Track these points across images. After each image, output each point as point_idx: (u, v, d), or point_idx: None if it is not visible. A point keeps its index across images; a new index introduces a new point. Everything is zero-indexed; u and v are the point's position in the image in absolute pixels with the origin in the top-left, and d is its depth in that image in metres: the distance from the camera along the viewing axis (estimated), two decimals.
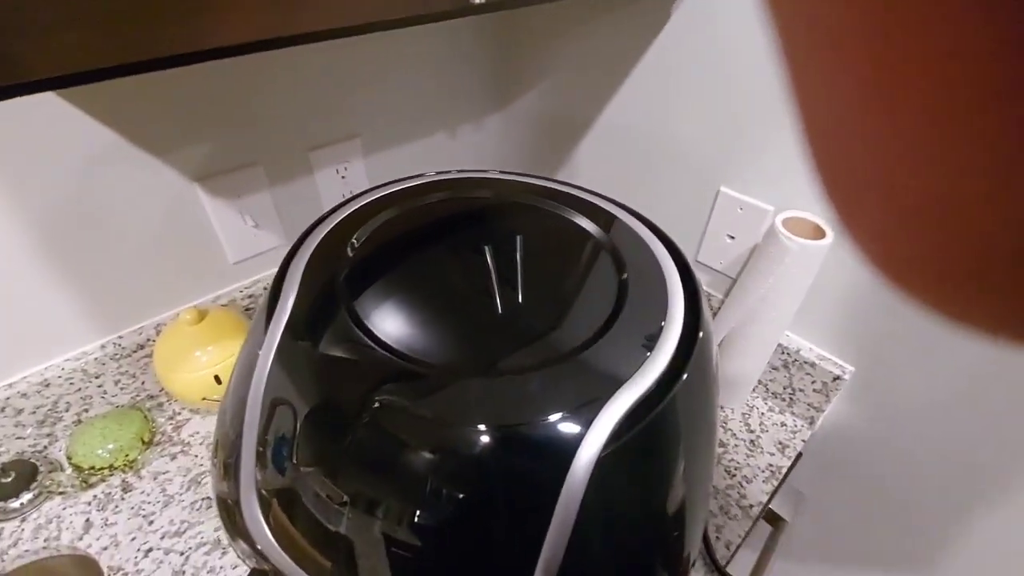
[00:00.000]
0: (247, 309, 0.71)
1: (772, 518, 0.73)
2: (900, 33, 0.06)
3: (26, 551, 0.53)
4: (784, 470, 0.65)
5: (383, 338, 0.31)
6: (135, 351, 0.64)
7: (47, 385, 0.59)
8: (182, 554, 0.53)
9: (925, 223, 0.07)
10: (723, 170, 0.66)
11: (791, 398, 0.71)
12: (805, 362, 0.67)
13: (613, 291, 0.36)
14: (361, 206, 0.42)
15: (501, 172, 0.50)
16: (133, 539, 0.54)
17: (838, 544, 0.78)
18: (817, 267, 0.55)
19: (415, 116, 0.78)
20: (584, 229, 0.43)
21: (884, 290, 0.58)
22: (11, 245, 0.52)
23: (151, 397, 0.67)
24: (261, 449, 0.31)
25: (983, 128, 0.06)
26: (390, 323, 0.32)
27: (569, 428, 0.26)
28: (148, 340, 0.65)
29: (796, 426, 0.70)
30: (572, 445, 0.26)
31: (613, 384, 0.28)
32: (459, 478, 0.27)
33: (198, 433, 0.64)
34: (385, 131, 0.76)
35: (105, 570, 0.51)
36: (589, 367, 0.30)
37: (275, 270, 0.74)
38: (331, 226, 0.39)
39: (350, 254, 0.38)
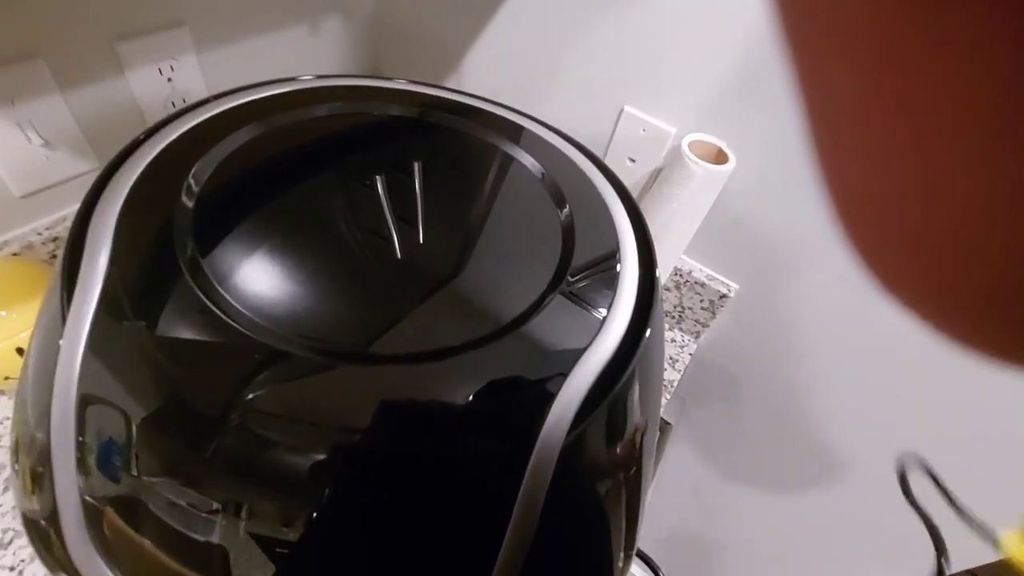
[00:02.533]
0: (53, 256, 0.55)
1: (660, 424, 0.80)
2: (917, 62, 0.06)
3: None
4: (676, 383, 0.69)
5: (252, 311, 0.23)
6: None
7: None
8: (12, 569, 0.42)
9: (932, 249, 0.07)
10: (628, 89, 0.62)
11: (680, 316, 0.74)
12: (696, 282, 0.69)
13: (554, 226, 0.31)
14: (201, 122, 0.31)
15: (389, 80, 0.41)
16: None
17: (714, 440, 0.88)
18: (718, 191, 0.55)
19: (266, 3, 0.62)
20: (513, 156, 0.37)
21: (772, 215, 0.60)
22: None
23: None
24: (81, 455, 0.23)
25: (997, 159, 0.06)
26: (262, 289, 0.24)
27: (523, 416, 0.22)
28: None
29: (683, 341, 0.74)
30: (527, 435, 0.21)
31: (577, 345, 0.24)
32: (382, 490, 0.22)
33: (8, 419, 0.50)
34: (224, 19, 0.59)
35: None
36: (546, 328, 0.25)
37: None
38: (156, 152, 0.28)
39: (191, 192, 0.28)
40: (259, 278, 0.25)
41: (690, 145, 0.55)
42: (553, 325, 0.27)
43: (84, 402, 0.22)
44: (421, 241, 0.32)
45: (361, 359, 0.23)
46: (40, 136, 0.50)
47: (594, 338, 0.25)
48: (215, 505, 0.23)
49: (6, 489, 0.46)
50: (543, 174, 0.36)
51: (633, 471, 0.30)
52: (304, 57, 0.70)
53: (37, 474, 0.24)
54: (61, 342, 0.21)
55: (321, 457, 0.22)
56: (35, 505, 0.24)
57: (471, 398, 0.23)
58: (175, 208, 0.26)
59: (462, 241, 0.32)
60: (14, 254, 0.52)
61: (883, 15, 0.06)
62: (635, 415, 0.28)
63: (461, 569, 0.24)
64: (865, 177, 0.08)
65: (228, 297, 0.24)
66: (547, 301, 0.28)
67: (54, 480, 0.22)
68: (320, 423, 0.22)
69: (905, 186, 0.07)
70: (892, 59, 0.06)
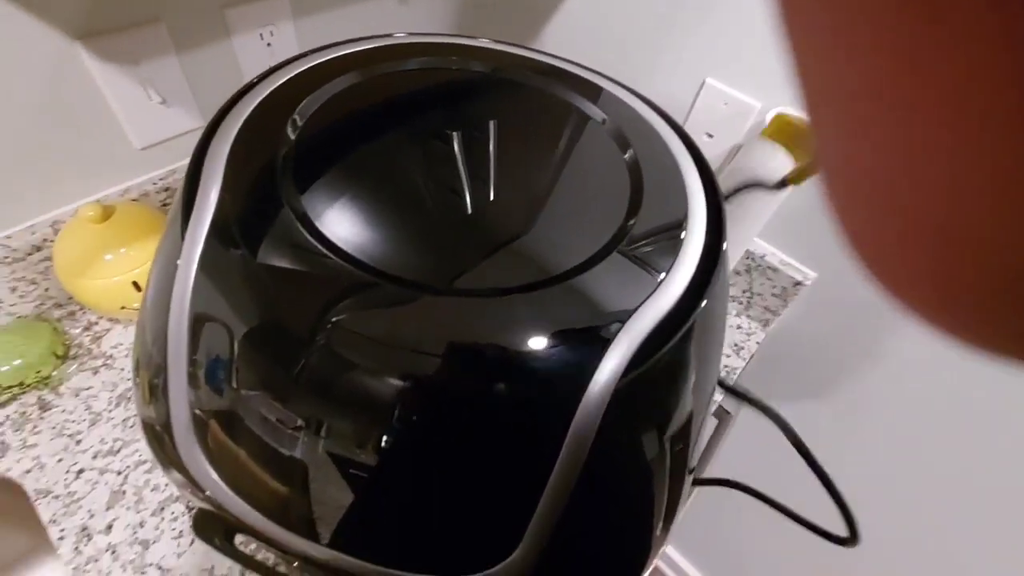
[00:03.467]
0: (164, 205, 0.62)
1: (719, 411, 0.78)
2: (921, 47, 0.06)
3: None
4: (739, 371, 0.67)
5: (341, 245, 0.25)
6: (30, 253, 0.54)
7: None
8: (119, 473, 0.49)
9: (933, 242, 0.07)
10: (711, 60, 0.59)
11: (748, 301, 0.71)
12: (768, 267, 0.66)
13: (625, 187, 0.31)
14: (301, 72, 0.34)
15: (473, 39, 0.42)
16: (60, 460, 0.49)
17: (774, 435, 0.85)
18: None
19: None
20: (588, 116, 0.37)
21: None
22: None
23: (59, 306, 0.59)
24: (192, 370, 0.26)
25: (993, 157, 0.06)
26: (349, 226, 0.27)
27: (579, 354, 0.23)
28: (45, 241, 0.55)
29: (751, 328, 0.71)
30: (583, 375, 0.22)
31: (628, 303, 0.24)
32: (439, 415, 0.23)
33: (122, 345, 0.57)
34: None
35: (32, 494, 0.47)
36: (600, 281, 0.26)
37: None
38: (262, 98, 0.31)
39: (291, 135, 0.30)
40: (346, 217, 0.27)
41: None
42: (611, 280, 0.27)
43: (195, 318, 0.25)
44: (491, 198, 0.33)
45: (438, 291, 0.24)
46: (158, 94, 0.55)
47: (650, 296, 0.26)
48: (299, 421, 0.26)
49: (117, 404, 0.53)
50: (617, 136, 0.36)
51: (679, 441, 0.30)
52: (391, 25, 0.73)
53: (153, 386, 0.27)
54: (178, 262, 0.24)
55: (393, 379, 0.24)
56: (152, 413, 0.28)
57: (529, 336, 0.24)
58: (278, 147, 0.28)
59: (531, 200, 0.33)
60: (133, 200, 0.59)
61: (892, 9, 0.06)
62: (687, 379, 0.28)
63: (507, 504, 0.25)
64: (869, 177, 0.08)
65: (321, 230, 0.26)
66: (608, 257, 0.28)
67: (168, 391, 0.25)
68: (396, 346, 0.24)
69: (910, 181, 0.07)
70: (899, 55, 0.06)
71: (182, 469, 0.28)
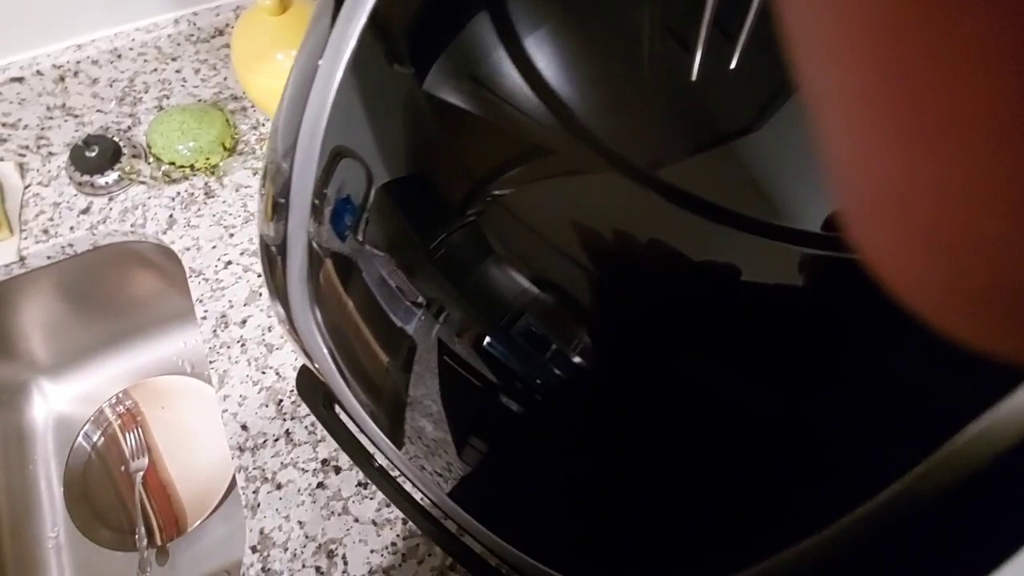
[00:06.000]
0: None
1: None
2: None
3: (115, 231, 0.53)
4: None
5: (531, 89, 0.17)
6: (213, 36, 0.54)
7: (119, 56, 0.51)
8: (259, 276, 0.51)
9: (944, 249, 0.07)
10: None
11: None
12: None
13: None
14: None
15: None
16: (214, 247, 0.52)
17: None
18: None
19: None
20: None
21: None
22: None
23: (235, 98, 0.59)
24: (317, 203, 0.22)
25: (1008, 153, 0.06)
26: (542, 66, 0.18)
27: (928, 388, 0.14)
28: (227, 26, 0.53)
29: None
30: (938, 425, 0.13)
31: None
32: (618, 372, 0.17)
33: None
34: None
35: (187, 270, 0.51)
36: None
37: None
38: None
39: None
40: (542, 52, 0.19)
41: None
42: None
43: (330, 144, 0.19)
44: (732, 66, 0.22)
45: (648, 180, 0.16)
46: None
47: None
48: (420, 299, 0.21)
49: None
50: None
51: None
52: None
53: (278, 204, 0.23)
54: (320, 62, 0.18)
55: (551, 285, 0.17)
56: (271, 232, 0.24)
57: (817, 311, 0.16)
58: None
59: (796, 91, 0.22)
60: None
61: (892, 6, 0.06)
62: None
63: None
64: (870, 177, 0.07)
65: (511, 67, 0.18)
66: None
67: (289, 216, 0.21)
68: (567, 241, 0.17)
69: (916, 185, 0.07)
70: (901, 52, 0.06)
71: (285, 303, 0.26)
